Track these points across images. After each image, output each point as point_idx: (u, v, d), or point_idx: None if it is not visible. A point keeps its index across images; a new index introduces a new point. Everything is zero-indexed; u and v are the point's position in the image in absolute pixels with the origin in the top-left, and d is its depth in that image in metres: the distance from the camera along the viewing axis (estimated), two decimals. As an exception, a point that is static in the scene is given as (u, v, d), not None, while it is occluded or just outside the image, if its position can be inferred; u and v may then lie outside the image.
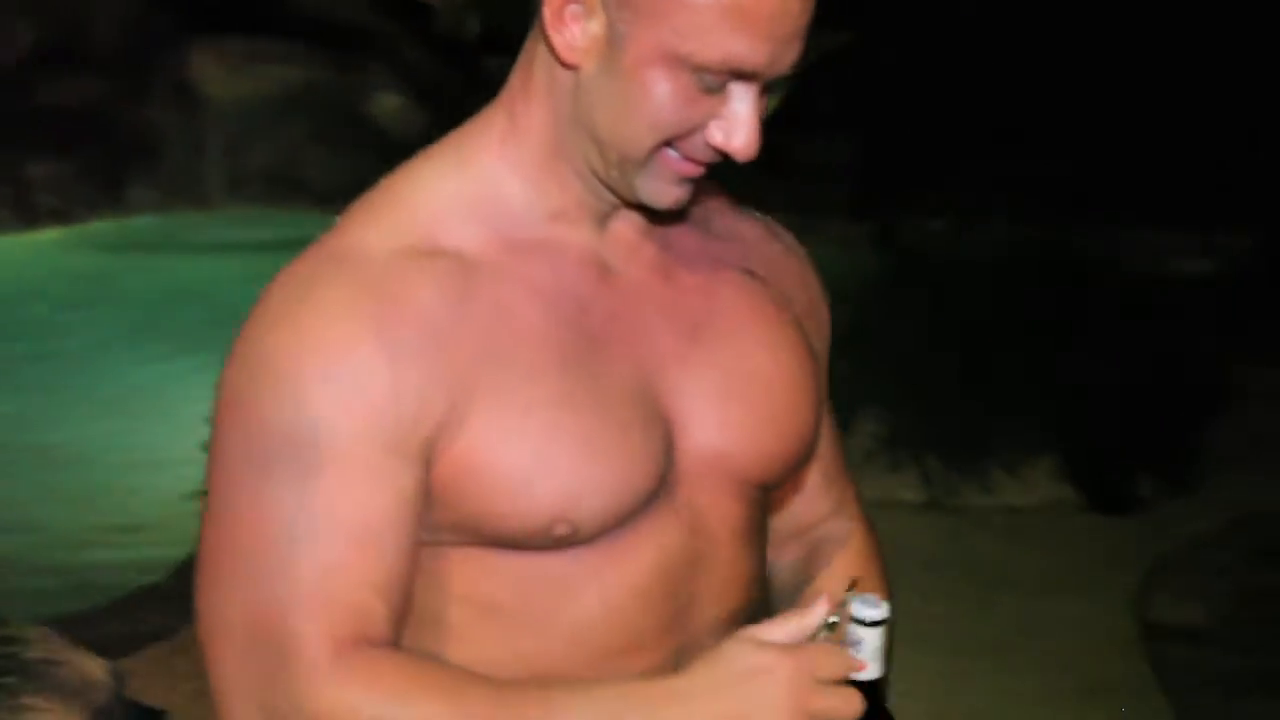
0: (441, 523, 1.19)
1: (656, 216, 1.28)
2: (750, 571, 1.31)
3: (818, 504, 1.45)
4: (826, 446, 1.43)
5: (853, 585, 1.20)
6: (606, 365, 1.22)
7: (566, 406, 1.19)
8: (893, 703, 1.20)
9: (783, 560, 1.45)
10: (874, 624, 1.14)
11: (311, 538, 1.14)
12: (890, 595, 1.37)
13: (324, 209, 9.41)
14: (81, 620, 3.78)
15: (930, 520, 5.26)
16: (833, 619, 1.15)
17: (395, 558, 1.16)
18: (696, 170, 1.20)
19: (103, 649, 3.31)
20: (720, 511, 1.27)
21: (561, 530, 1.18)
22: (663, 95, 1.16)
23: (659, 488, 1.23)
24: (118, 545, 4.74)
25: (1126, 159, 8.21)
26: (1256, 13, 8.84)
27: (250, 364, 1.17)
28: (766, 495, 1.34)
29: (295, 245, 1.23)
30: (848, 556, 1.43)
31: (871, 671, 1.14)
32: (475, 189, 1.23)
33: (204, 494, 1.22)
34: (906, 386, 5.20)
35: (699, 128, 1.18)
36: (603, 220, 1.26)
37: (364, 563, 1.14)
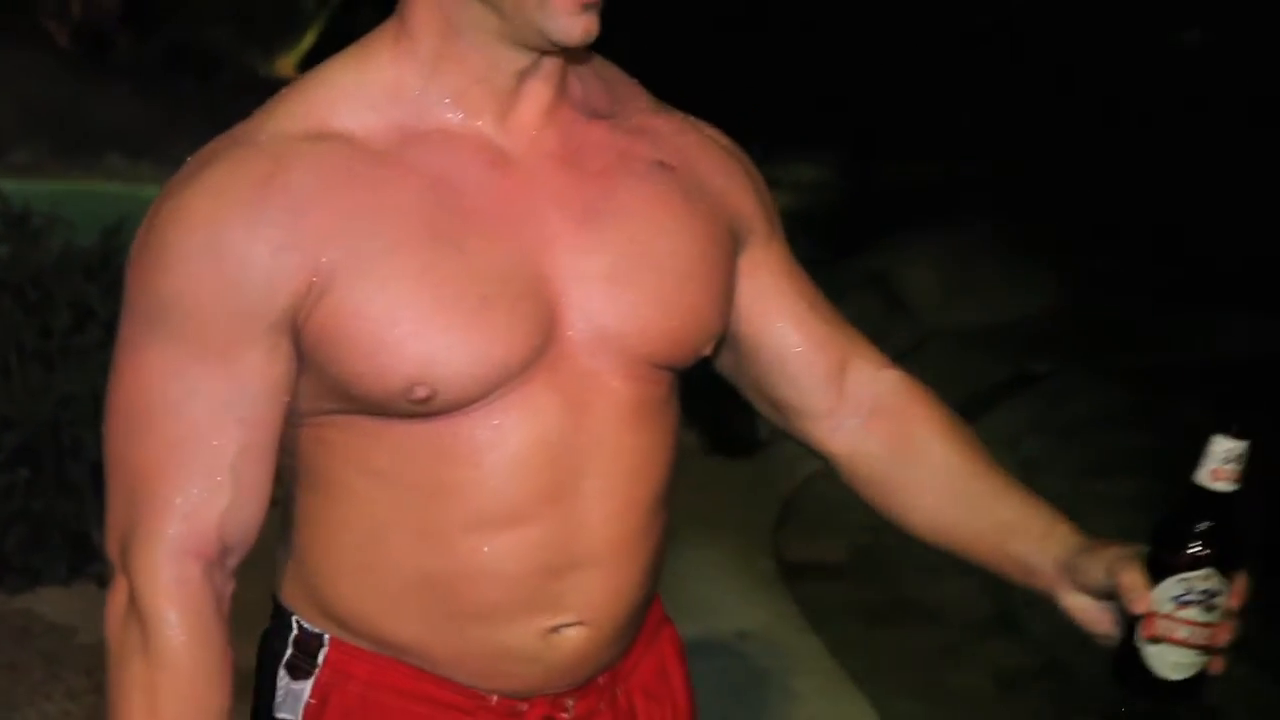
0: (318, 389, 1.39)
1: (546, 98, 1.42)
2: (641, 449, 1.45)
3: (847, 375, 1.60)
4: (830, 318, 1.60)
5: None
6: (481, 245, 1.38)
7: (425, 279, 1.35)
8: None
9: (875, 436, 1.60)
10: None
11: (178, 407, 1.35)
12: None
13: None
14: None
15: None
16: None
17: (250, 427, 1.37)
18: None
19: None
20: (607, 388, 1.43)
21: (421, 393, 1.35)
22: None
23: (531, 359, 1.38)
24: None
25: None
26: None
27: (145, 231, 1.38)
28: (667, 375, 1.48)
29: None
30: (928, 402, 1.61)
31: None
32: (372, 80, 1.40)
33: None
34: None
35: None
36: (505, 106, 1.41)
37: (217, 434, 1.36)
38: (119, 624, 1.39)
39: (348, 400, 1.38)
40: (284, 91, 1.43)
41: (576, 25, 1.35)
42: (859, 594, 4.55)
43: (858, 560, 4.80)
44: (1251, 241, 6.86)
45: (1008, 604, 4.32)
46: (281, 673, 1.49)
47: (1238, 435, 1.33)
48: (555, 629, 1.45)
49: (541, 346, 1.39)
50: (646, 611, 1.57)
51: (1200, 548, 1.34)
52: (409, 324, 1.34)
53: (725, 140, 1.58)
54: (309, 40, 10.07)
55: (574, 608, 1.45)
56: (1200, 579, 1.34)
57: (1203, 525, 1.34)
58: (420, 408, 1.36)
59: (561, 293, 1.40)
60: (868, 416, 1.59)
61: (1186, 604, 1.34)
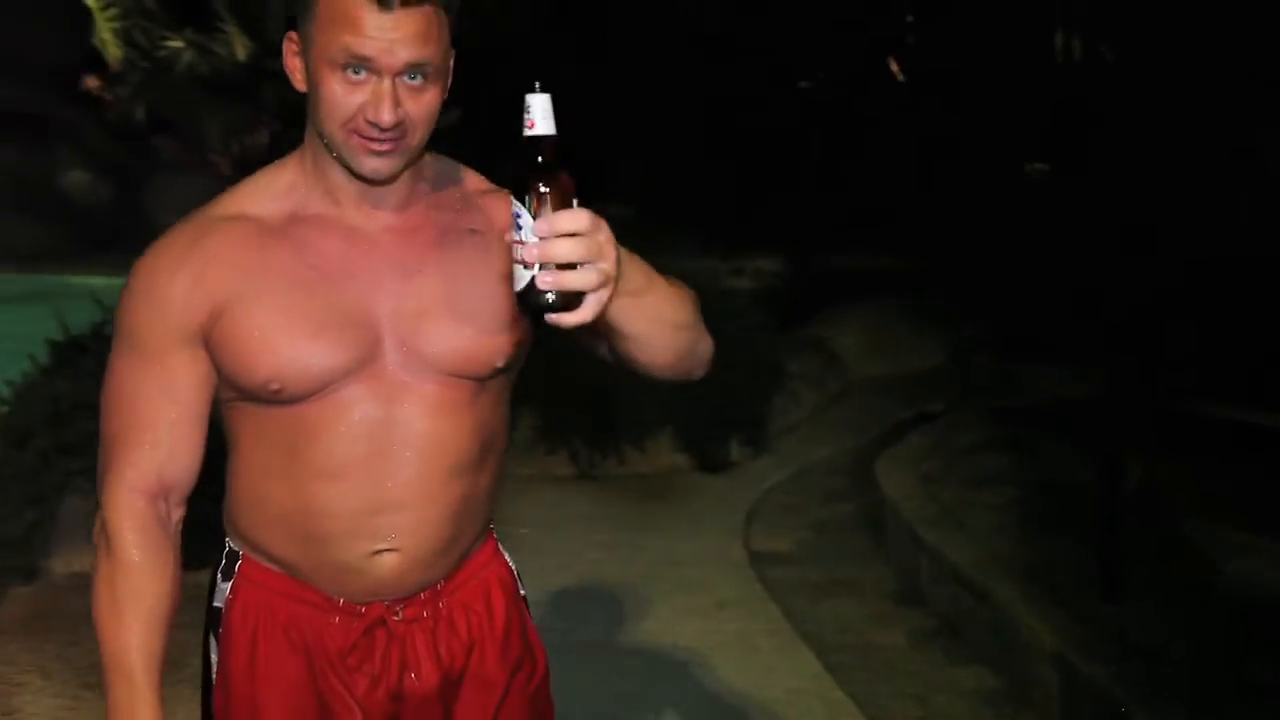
0: (222, 382, 1.52)
1: (395, 198, 1.52)
2: (440, 431, 1.54)
3: None
4: None
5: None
6: (325, 290, 1.50)
7: (282, 313, 1.49)
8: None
9: None
10: (538, 93, 1.26)
11: (131, 395, 1.51)
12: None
13: (23, 269, 8.75)
14: None
15: (581, 488, 5.43)
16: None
17: (179, 406, 1.51)
18: (378, 146, 1.44)
19: None
20: (414, 390, 1.52)
21: (275, 387, 1.49)
22: (329, 90, 1.43)
23: (353, 369, 1.50)
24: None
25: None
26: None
27: (127, 279, 1.53)
28: (467, 383, 1.55)
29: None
30: None
31: (541, 129, 1.26)
32: (279, 180, 1.54)
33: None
34: (555, 386, 5.30)
35: (361, 111, 1.42)
36: (360, 199, 1.52)
37: (156, 411, 1.50)
38: (97, 537, 1.53)
39: (236, 390, 1.52)
40: (234, 185, 1.56)
41: (366, 165, 1.45)
42: (805, 575, 4.51)
43: (803, 550, 4.78)
44: (1064, 320, 6.88)
45: (914, 582, 4.31)
46: (218, 575, 1.62)
47: (539, 91, 1.25)
48: (376, 552, 1.55)
49: (363, 360, 1.50)
50: (464, 547, 1.62)
51: (521, 182, 1.25)
52: (268, 343, 1.48)
53: None
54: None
55: (388, 537, 1.55)
56: (519, 205, 1.25)
57: (521, 165, 1.25)
58: (275, 397, 1.50)
59: (383, 325, 1.51)
60: None
61: (517, 226, 1.26)
